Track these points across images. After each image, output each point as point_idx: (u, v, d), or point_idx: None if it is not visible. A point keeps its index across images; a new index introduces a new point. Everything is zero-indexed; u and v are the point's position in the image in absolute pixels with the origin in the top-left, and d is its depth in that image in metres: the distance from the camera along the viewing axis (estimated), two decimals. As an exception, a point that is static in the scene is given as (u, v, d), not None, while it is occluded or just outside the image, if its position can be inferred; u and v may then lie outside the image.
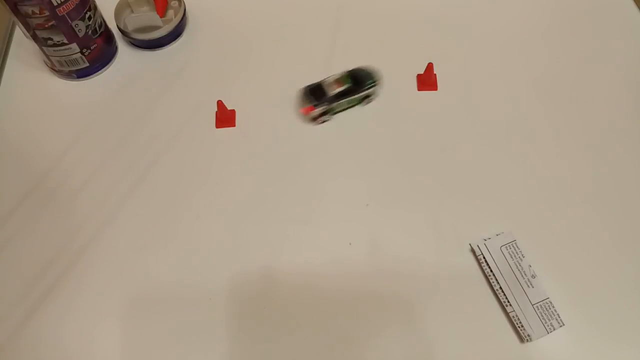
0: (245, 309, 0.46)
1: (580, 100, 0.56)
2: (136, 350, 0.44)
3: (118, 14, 0.60)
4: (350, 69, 0.55)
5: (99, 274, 0.48)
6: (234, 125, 0.56)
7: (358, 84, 0.54)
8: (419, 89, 0.57)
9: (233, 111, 0.56)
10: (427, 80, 0.57)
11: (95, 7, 0.57)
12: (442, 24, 0.62)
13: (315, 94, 0.53)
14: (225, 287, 0.46)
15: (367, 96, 0.55)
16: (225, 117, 0.56)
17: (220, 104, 0.55)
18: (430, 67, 0.56)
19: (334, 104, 0.53)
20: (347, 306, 0.45)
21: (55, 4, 0.51)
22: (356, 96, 0.54)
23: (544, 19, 0.63)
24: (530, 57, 0.59)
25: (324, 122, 0.55)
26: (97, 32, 0.57)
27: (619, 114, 0.55)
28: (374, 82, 0.54)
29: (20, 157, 0.55)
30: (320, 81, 0.54)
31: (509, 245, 0.46)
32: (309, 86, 0.54)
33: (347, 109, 0.56)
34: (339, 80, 0.54)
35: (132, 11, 0.60)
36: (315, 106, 0.53)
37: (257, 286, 0.47)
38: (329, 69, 0.59)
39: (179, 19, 0.61)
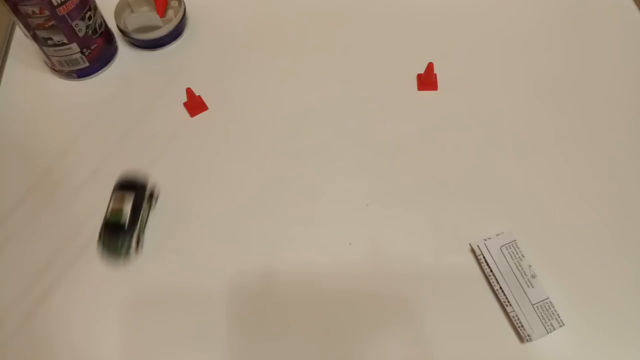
0: (245, 309, 0.46)
1: (580, 100, 0.56)
2: (136, 349, 0.44)
3: (118, 14, 0.60)
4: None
5: (99, 273, 0.48)
6: (206, 109, 0.56)
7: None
8: (419, 89, 0.57)
9: (199, 97, 0.56)
10: (427, 80, 0.57)
11: (96, 7, 0.57)
12: (442, 24, 0.62)
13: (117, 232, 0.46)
14: (225, 287, 0.46)
15: (150, 195, 0.49)
16: (195, 104, 0.56)
17: (189, 90, 0.55)
18: (430, 67, 0.56)
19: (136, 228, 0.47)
20: (347, 306, 0.45)
21: (55, 4, 0.51)
22: (144, 206, 0.48)
23: (544, 19, 0.63)
24: (530, 56, 0.59)
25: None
26: (97, 32, 0.57)
27: (619, 113, 0.55)
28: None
29: (20, 157, 0.55)
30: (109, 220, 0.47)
31: (509, 245, 0.46)
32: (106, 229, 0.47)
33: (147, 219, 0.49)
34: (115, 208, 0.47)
35: (132, 11, 0.60)
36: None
37: (257, 286, 0.47)
38: (329, 69, 0.59)
39: (179, 19, 0.61)
